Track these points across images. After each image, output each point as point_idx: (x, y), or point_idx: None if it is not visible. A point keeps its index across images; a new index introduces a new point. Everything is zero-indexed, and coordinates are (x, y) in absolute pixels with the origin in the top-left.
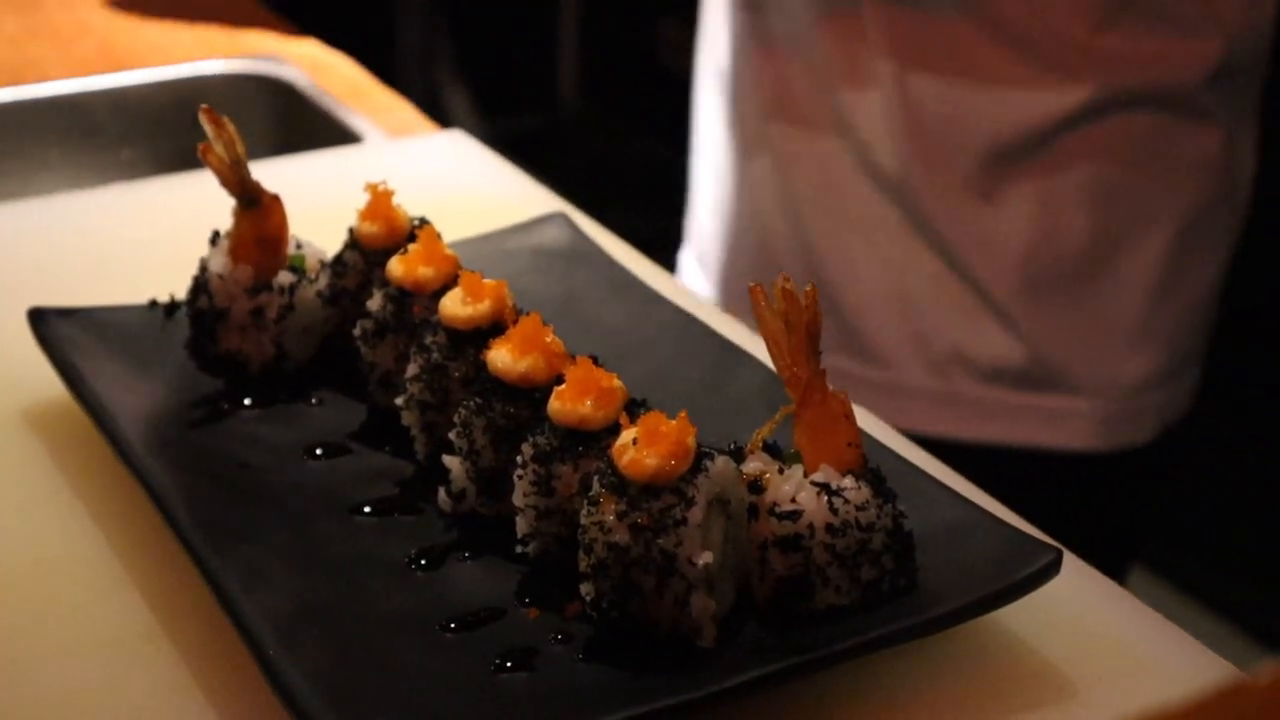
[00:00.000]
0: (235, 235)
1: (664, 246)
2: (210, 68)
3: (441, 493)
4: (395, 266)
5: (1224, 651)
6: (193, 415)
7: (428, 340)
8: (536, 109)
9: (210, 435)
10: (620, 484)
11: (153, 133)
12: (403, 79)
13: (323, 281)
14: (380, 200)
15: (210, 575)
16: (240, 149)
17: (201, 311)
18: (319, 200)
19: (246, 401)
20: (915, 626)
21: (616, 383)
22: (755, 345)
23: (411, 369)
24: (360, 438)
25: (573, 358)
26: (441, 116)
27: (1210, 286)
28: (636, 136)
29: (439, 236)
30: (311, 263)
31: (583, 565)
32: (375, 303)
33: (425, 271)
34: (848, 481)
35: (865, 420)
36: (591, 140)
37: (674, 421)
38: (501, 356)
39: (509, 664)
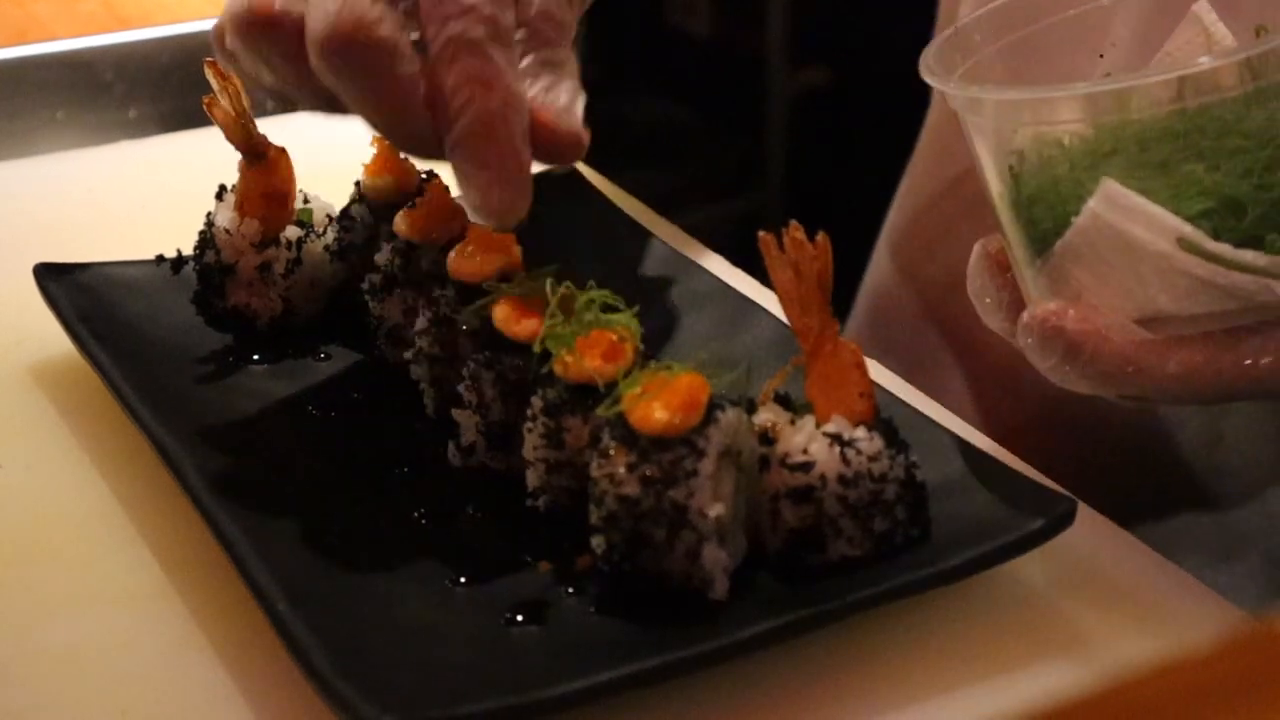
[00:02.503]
0: (242, 189)
1: (671, 204)
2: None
3: (451, 447)
4: (403, 220)
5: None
6: (200, 371)
7: (436, 294)
8: None
9: (218, 391)
10: (630, 436)
11: (159, 91)
12: None
13: (330, 236)
14: (387, 154)
15: (219, 531)
16: (245, 102)
17: (209, 266)
18: (325, 157)
19: (254, 357)
20: (928, 578)
21: (626, 334)
22: (766, 296)
23: (420, 323)
24: (369, 393)
25: None
26: None
27: None
28: (643, 97)
29: (447, 190)
30: (319, 217)
31: (593, 518)
32: (383, 257)
33: (433, 225)
34: (860, 432)
35: (877, 371)
36: (598, 100)
37: (684, 373)
38: (508, 313)
39: (520, 618)
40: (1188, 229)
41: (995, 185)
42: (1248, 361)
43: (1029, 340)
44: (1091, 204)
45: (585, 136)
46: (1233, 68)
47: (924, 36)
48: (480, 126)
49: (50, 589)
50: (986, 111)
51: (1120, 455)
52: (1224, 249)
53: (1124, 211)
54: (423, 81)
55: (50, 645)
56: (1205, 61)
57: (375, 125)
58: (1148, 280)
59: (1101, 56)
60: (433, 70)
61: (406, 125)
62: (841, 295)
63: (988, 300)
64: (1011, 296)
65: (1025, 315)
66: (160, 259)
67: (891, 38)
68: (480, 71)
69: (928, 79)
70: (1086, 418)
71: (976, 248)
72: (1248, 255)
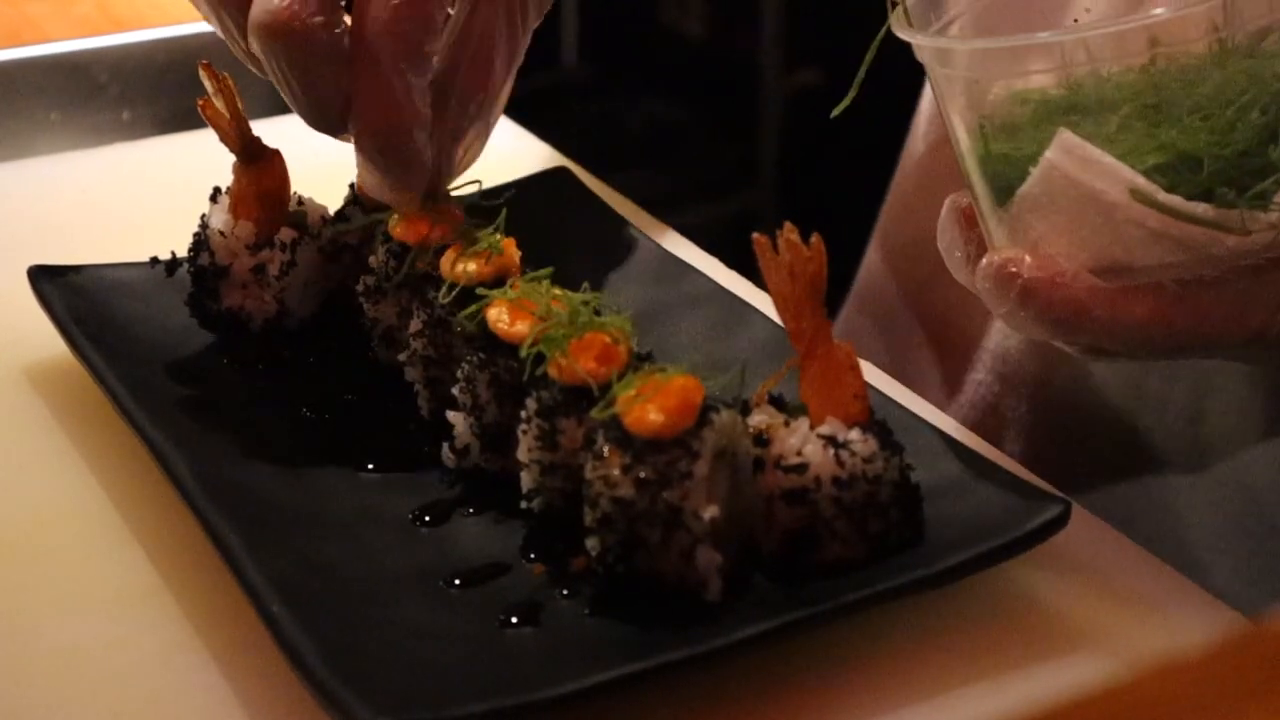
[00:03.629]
0: (236, 191)
1: (665, 205)
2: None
3: (445, 448)
4: (397, 222)
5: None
6: (194, 372)
7: (430, 296)
8: (537, 70)
9: (212, 392)
10: (625, 438)
11: (153, 93)
12: None
13: (324, 238)
14: None
15: (213, 532)
16: (240, 103)
17: (203, 268)
18: (319, 158)
19: (248, 358)
20: (923, 579)
21: (620, 336)
22: (760, 298)
23: (414, 325)
24: (363, 394)
25: None
26: None
27: None
28: (637, 97)
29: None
30: (313, 219)
31: (588, 520)
32: (377, 259)
33: (427, 227)
34: (854, 434)
35: (870, 373)
36: (592, 100)
37: (678, 375)
38: (502, 314)
39: (514, 620)
40: (1140, 180)
41: (964, 140)
42: (1199, 315)
43: (986, 285)
44: (1048, 154)
45: (447, 180)
46: (1200, 28)
47: None
48: (380, 140)
49: (43, 590)
50: (958, 63)
51: (1106, 435)
52: (1175, 200)
53: (1079, 161)
54: (345, 74)
55: (43, 646)
56: (1162, 12)
57: (288, 101)
58: (1101, 230)
59: (1075, 21)
60: (350, 69)
61: (317, 111)
62: (835, 296)
63: (956, 254)
64: (978, 250)
65: (984, 261)
66: (154, 261)
67: (885, 39)
68: (385, 92)
69: (899, 32)
70: (1071, 401)
71: (947, 202)
72: (1199, 208)
